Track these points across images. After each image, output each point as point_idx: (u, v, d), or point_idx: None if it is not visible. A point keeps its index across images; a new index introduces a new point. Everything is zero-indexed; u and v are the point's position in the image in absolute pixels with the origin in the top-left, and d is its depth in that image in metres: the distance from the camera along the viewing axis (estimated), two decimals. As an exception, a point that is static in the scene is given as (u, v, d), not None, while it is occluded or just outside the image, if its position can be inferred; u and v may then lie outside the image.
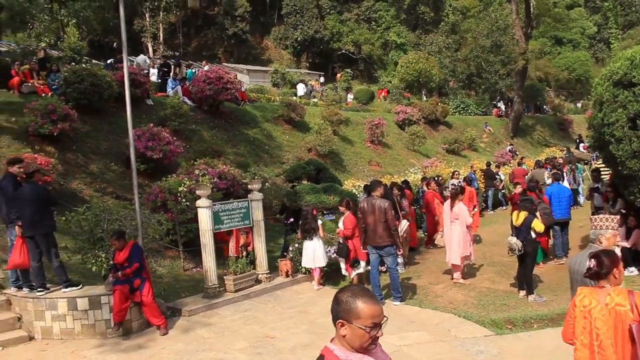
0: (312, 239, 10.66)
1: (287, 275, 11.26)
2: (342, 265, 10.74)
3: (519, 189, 13.24)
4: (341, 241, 10.50)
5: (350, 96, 38.86)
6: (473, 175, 18.95)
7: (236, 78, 21.37)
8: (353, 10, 57.61)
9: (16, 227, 8.56)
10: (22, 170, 8.91)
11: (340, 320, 2.52)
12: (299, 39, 53.93)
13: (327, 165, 19.48)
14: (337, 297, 2.58)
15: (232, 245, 11.15)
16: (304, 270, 11.31)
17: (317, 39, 54.01)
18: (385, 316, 2.52)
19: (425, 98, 41.18)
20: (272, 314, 9.40)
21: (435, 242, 12.26)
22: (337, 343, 2.57)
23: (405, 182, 14.86)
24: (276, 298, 10.30)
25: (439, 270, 11.72)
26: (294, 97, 30.45)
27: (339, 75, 48.76)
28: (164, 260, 12.22)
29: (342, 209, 10.72)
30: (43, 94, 16.38)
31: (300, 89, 34.82)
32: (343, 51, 55.32)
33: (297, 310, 9.51)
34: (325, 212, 13.48)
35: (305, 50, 56.11)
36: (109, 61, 24.47)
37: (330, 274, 11.35)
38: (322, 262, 10.74)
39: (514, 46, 39.20)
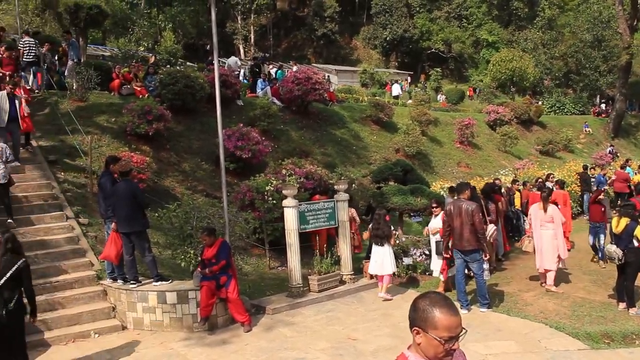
0: (382, 245, 10.28)
1: (372, 277, 11.13)
2: (437, 267, 10.38)
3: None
4: (439, 238, 10.17)
5: (442, 97, 38.15)
6: (602, 178, 18.01)
7: (324, 78, 21.48)
8: (443, 7, 56.56)
9: (113, 222, 9.03)
10: (117, 168, 9.37)
11: (416, 328, 2.45)
12: (387, 38, 53.61)
13: (415, 166, 19.16)
14: (415, 303, 2.49)
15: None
16: (369, 275, 11.12)
17: (406, 38, 53.47)
18: (464, 328, 2.42)
19: (516, 97, 39.74)
20: (355, 315, 9.32)
21: (523, 248, 11.67)
22: (413, 350, 2.50)
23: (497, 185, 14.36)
24: (359, 299, 10.22)
25: (529, 276, 11.21)
26: (379, 98, 30.22)
27: (423, 76, 47.93)
28: (250, 258, 12.43)
29: (436, 210, 10.50)
30: (140, 96, 17.20)
31: (396, 89, 34.42)
32: (433, 50, 54.40)
33: (380, 313, 9.39)
34: (412, 214, 13.27)
35: (394, 49, 55.73)
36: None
37: (414, 277, 11.16)
38: (390, 270, 10.27)
39: (617, 40, 36.93)
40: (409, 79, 47.68)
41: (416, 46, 54.37)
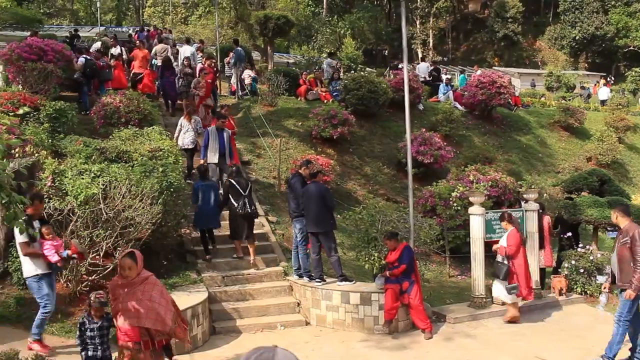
0: None
1: (561, 294, 10.39)
2: (500, 292, 9.26)
3: None
4: (501, 260, 9.15)
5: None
6: None
7: (510, 82, 20.61)
8: (645, -1, 51.12)
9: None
10: (307, 171, 9.77)
11: None
12: (577, 37, 49.93)
13: (610, 176, 17.57)
14: None
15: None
16: (579, 290, 10.35)
17: (598, 37, 49.36)
18: None
19: None
20: (542, 333, 8.76)
21: None
22: None
23: None
24: (547, 317, 9.58)
25: None
26: (568, 101, 28.13)
27: (602, 81, 43.18)
28: (430, 265, 12.30)
29: (503, 224, 9.36)
30: (325, 101, 17.89)
31: (603, 93, 31.49)
32: (631, 48, 49.47)
33: (570, 334, 8.71)
34: (608, 228, 12.16)
35: (583, 49, 51.75)
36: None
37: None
38: None
39: None
40: (600, 81, 43.85)
41: (610, 45, 49.89)
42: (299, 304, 9.57)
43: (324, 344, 8.41)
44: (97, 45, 18.38)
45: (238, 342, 8.48)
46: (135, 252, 5.36)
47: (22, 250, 7.27)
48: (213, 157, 11.71)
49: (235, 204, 10.02)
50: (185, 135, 12.59)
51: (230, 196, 10.15)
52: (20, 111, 5.84)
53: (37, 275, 7.31)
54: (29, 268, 7.34)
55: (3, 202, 5.02)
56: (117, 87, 15.66)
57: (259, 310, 9.34)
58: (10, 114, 5.63)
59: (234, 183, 10.19)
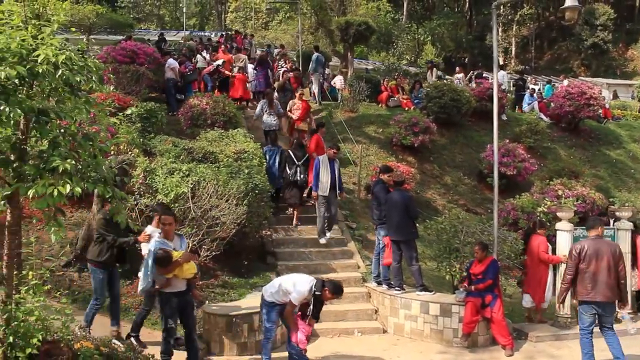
0: None
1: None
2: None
3: None
4: None
5: None
6: None
7: (600, 93, 19.76)
8: None
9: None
10: (390, 178, 9.73)
11: None
12: (675, 46, 47.17)
13: None
14: None
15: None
16: None
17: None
18: None
19: None
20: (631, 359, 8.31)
21: None
22: None
23: None
24: (638, 342, 9.08)
25: None
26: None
27: None
28: (511, 280, 11.96)
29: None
30: (407, 108, 17.80)
31: None
32: None
33: (661, 361, 8.24)
34: None
35: (682, 59, 48.81)
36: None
37: None
38: None
39: None
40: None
41: None
42: (376, 311, 9.54)
43: (401, 352, 8.34)
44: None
45: (316, 345, 8.52)
46: None
47: (289, 310, 7.12)
48: (324, 190, 10.84)
49: (289, 172, 11.40)
50: (270, 117, 13.54)
51: (286, 165, 11.50)
52: (128, 111, 6.18)
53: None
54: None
55: (107, 196, 5.30)
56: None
57: (336, 315, 9.36)
58: (119, 114, 5.95)
59: (291, 154, 11.58)
